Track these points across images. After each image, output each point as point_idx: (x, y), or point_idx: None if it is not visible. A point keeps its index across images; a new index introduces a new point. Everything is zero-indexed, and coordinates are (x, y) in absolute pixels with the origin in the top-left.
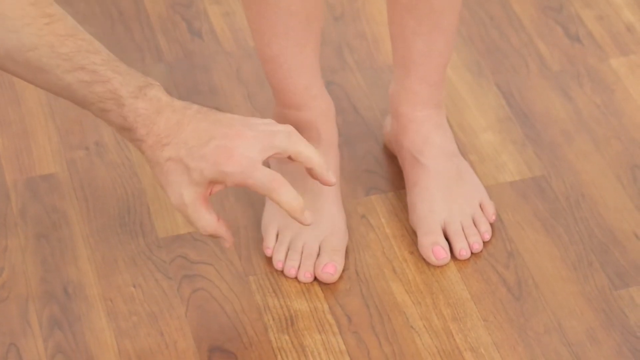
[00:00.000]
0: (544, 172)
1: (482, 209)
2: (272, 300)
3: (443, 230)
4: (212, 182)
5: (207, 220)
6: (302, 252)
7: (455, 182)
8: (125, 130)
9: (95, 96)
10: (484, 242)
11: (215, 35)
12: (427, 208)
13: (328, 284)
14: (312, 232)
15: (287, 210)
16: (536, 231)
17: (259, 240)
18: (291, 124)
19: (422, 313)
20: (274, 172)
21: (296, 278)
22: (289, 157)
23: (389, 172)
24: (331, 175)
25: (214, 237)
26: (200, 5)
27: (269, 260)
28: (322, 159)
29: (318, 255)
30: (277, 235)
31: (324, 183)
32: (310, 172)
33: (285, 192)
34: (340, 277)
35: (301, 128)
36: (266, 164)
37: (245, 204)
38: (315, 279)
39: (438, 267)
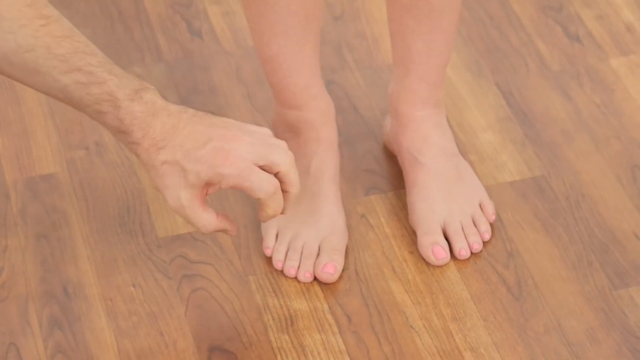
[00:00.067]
0: (544, 172)
1: (481, 209)
2: (272, 300)
3: (443, 230)
4: (208, 184)
5: (207, 219)
6: (301, 252)
7: (455, 182)
8: (121, 133)
9: (91, 98)
10: (483, 242)
11: (215, 35)
12: (426, 208)
13: (328, 283)
14: (312, 232)
15: (268, 215)
16: (536, 231)
17: (259, 240)
18: (291, 124)
19: (422, 313)
20: (271, 176)
21: (296, 278)
22: (276, 173)
23: (388, 172)
24: (284, 209)
25: (218, 231)
26: (200, 5)
27: (268, 260)
28: (299, 192)
29: (318, 255)
30: (277, 235)
31: (260, 214)
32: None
33: (277, 199)
34: (340, 277)
35: (301, 128)
36: None
37: (245, 204)
38: (315, 278)
39: (438, 267)
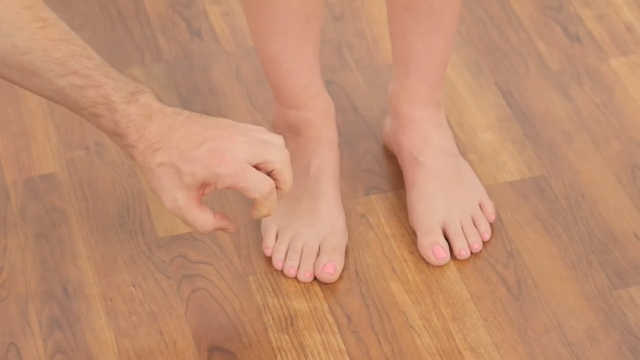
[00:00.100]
0: (544, 172)
1: (481, 209)
2: (272, 300)
3: (443, 230)
4: (204, 184)
5: (204, 219)
6: (301, 252)
7: (455, 182)
8: (117, 136)
9: (87, 101)
10: (483, 242)
11: (215, 34)
12: (426, 208)
13: (328, 283)
14: (312, 232)
15: (257, 216)
16: (536, 231)
17: (259, 240)
18: (291, 124)
19: (422, 313)
20: (266, 176)
21: (296, 278)
22: (270, 171)
23: (388, 172)
24: (263, 216)
25: (217, 230)
26: (200, 4)
27: (268, 260)
28: (290, 190)
29: (318, 255)
30: (277, 235)
31: (252, 213)
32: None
33: (272, 199)
34: (340, 277)
35: (301, 127)
36: None
37: (245, 204)
38: (315, 278)
39: (438, 266)
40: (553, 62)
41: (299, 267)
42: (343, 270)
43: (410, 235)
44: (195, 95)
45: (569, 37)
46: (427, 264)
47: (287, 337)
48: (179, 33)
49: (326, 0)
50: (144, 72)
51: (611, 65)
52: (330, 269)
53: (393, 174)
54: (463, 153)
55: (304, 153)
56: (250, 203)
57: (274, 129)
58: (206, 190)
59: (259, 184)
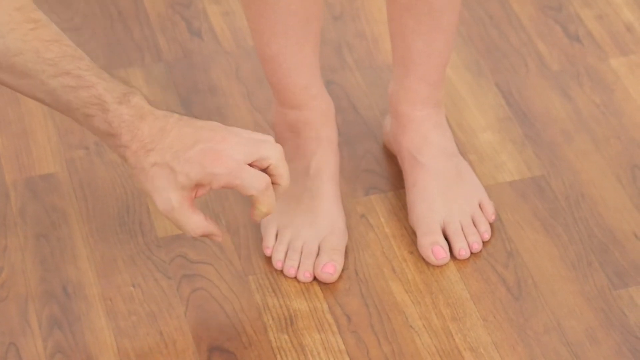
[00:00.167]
0: (544, 172)
1: (481, 209)
2: (272, 300)
3: (442, 230)
4: (198, 185)
5: (196, 221)
6: (301, 252)
7: (455, 182)
8: (110, 137)
9: (79, 101)
10: (483, 242)
11: (215, 34)
12: (426, 208)
13: (327, 283)
14: (312, 232)
15: (257, 214)
16: (535, 231)
17: (259, 239)
18: (291, 124)
19: (422, 313)
20: (262, 172)
21: (295, 278)
22: (265, 168)
23: (388, 172)
24: (263, 215)
25: (204, 236)
26: (200, 4)
27: (268, 259)
28: (288, 184)
29: (317, 254)
30: (277, 235)
31: (253, 214)
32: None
33: (270, 195)
34: (340, 277)
35: (301, 127)
36: None
37: (245, 204)
38: (315, 278)
39: (437, 266)
40: (553, 62)
41: (298, 267)
42: (343, 270)
43: (410, 235)
44: (195, 95)
45: (569, 37)
46: (427, 263)
47: (286, 337)
48: (178, 33)
49: (326, 0)
50: (144, 72)
51: (611, 65)
52: (330, 269)
53: (393, 174)
54: (463, 153)
55: (304, 153)
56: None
57: (274, 129)
58: (199, 192)
59: (255, 181)
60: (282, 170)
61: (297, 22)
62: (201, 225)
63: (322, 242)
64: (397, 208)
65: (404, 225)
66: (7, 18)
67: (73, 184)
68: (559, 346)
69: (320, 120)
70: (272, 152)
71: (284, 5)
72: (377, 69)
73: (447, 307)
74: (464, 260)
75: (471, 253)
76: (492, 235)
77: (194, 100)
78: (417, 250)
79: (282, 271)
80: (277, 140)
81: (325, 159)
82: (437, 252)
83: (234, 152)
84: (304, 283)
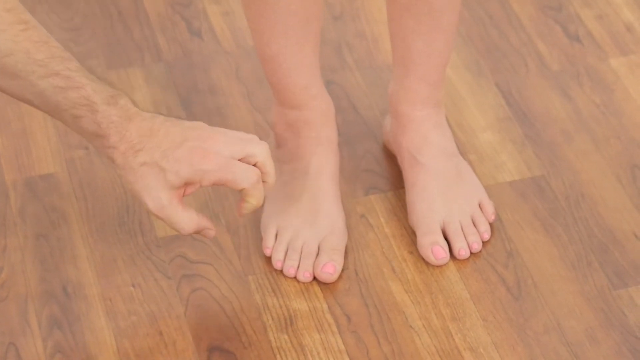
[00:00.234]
0: (544, 172)
1: (481, 209)
2: (271, 300)
3: (442, 230)
4: (187, 183)
5: (187, 218)
6: (301, 252)
7: (455, 182)
8: (98, 138)
9: (68, 102)
10: (483, 242)
11: (215, 34)
12: (426, 208)
13: (327, 283)
14: (312, 232)
15: (247, 207)
16: (535, 231)
17: (258, 239)
18: (291, 124)
19: (422, 313)
20: (252, 166)
21: (295, 278)
22: (254, 165)
23: (388, 172)
24: (253, 208)
25: (197, 233)
26: (200, 4)
27: (268, 259)
28: (274, 182)
29: (317, 254)
30: (277, 235)
31: (240, 207)
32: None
33: (260, 188)
34: (340, 277)
35: (301, 127)
36: None
37: None
38: (315, 278)
39: (437, 266)
40: (553, 62)
41: (298, 267)
42: (343, 270)
43: (410, 235)
44: (195, 95)
45: (569, 37)
46: (427, 263)
47: (286, 337)
48: (178, 33)
49: (326, 0)
50: (144, 71)
51: (611, 65)
52: (330, 269)
53: (393, 174)
54: (463, 153)
55: (304, 153)
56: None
57: (274, 129)
58: (188, 190)
59: (246, 174)
60: (269, 168)
61: (297, 22)
62: (193, 221)
63: (322, 242)
64: (397, 208)
65: (403, 225)
66: None
67: (73, 184)
68: (558, 346)
69: (320, 120)
70: (259, 149)
71: (284, 5)
72: (377, 69)
73: (446, 307)
74: (463, 260)
75: (471, 253)
76: (492, 235)
77: (194, 100)
78: (416, 250)
79: (281, 271)
80: (277, 140)
81: (325, 159)
82: (436, 252)
83: (222, 149)
84: (303, 283)
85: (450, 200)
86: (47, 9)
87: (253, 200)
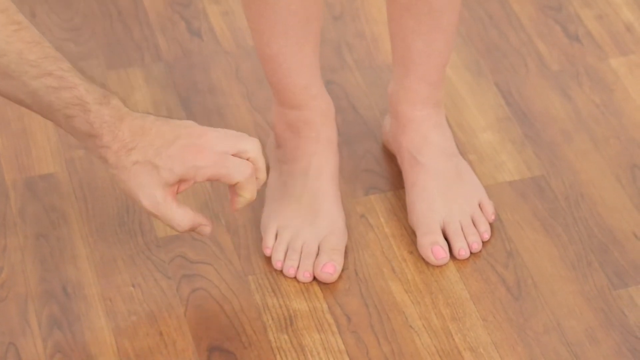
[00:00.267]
0: (543, 172)
1: (481, 209)
2: (271, 300)
3: (442, 230)
4: (181, 180)
5: (183, 214)
6: (301, 252)
7: (455, 182)
8: (90, 137)
9: (61, 102)
10: (483, 242)
11: (215, 34)
12: (426, 208)
13: (327, 283)
14: (312, 232)
15: (241, 202)
16: (535, 231)
17: (258, 239)
18: (290, 123)
19: (421, 313)
20: (245, 160)
21: (295, 278)
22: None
23: (388, 172)
24: (246, 202)
25: (192, 230)
26: (199, 4)
27: (268, 259)
28: (265, 178)
29: (317, 254)
30: (276, 235)
31: (234, 202)
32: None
33: (253, 182)
34: (340, 277)
35: (301, 127)
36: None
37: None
38: (315, 278)
39: (437, 266)
40: (553, 62)
41: (298, 267)
42: (342, 270)
43: (410, 235)
44: (194, 95)
45: (569, 37)
46: (427, 263)
47: (286, 337)
48: (178, 33)
49: (326, 0)
50: (144, 71)
51: (611, 65)
52: (330, 269)
53: (393, 174)
54: (463, 153)
55: (304, 153)
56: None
57: (274, 129)
58: (182, 187)
59: (240, 167)
60: (261, 164)
61: (297, 22)
62: (189, 217)
63: (322, 242)
64: (396, 208)
65: (403, 225)
66: None
67: (73, 184)
68: (558, 346)
69: (320, 120)
70: (251, 145)
71: (284, 5)
72: (377, 69)
73: (446, 307)
74: (463, 260)
75: (471, 253)
76: (491, 235)
77: (194, 100)
78: (416, 250)
79: (281, 271)
80: (277, 140)
81: (325, 159)
82: (436, 252)
83: (215, 145)
84: (303, 283)
85: (450, 200)
86: (47, 9)
87: (247, 194)
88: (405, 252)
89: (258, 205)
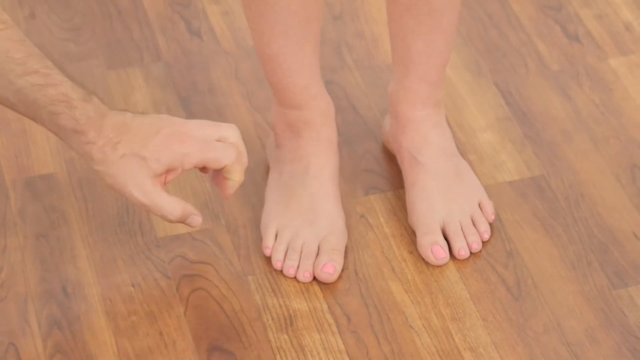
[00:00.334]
0: (543, 172)
1: (481, 209)
2: (271, 300)
3: (442, 230)
4: (169, 169)
5: (174, 203)
6: (301, 252)
7: (454, 182)
8: (76, 134)
9: (47, 99)
10: (483, 242)
11: (214, 34)
12: (426, 207)
13: (327, 283)
14: (311, 232)
15: (232, 186)
16: (535, 231)
17: (258, 239)
18: (290, 123)
19: (421, 313)
20: (229, 143)
21: (295, 278)
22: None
23: (388, 172)
24: (237, 185)
25: (183, 220)
26: (199, 4)
27: (268, 259)
28: (247, 162)
29: (317, 254)
30: (276, 235)
31: (225, 186)
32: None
33: (241, 164)
34: (340, 277)
35: (301, 127)
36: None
37: (244, 204)
38: (315, 278)
39: (437, 266)
40: (552, 62)
41: (298, 267)
42: (342, 270)
43: (410, 235)
44: (194, 95)
45: (569, 37)
46: (427, 263)
47: (286, 337)
48: (178, 33)
49: (326, 0)
50: (143, 71)
51: (610, 65)
52: (330, 269)
53: (393, 174)
54: (462, 153)
55: (304, 153)
56: (250, 202)
57: (274, 129)
58: (169, 177)
59: (227, 151)
60: (243, 148)
61: (297, 22)
62: (180, 206)
63: (322, 242)
64: (396, 208)
65: (403, 225)
66: None
67: (72, 184)
68: (558, 346)
69: (320, 120)
70: (231, 131)
71: (284, 5)
72: (376, 69)
73: (446, 307)
74: (463, 260)
75: (471, 253)
76: (491, 235)
77: (194, 100)
78: (416, 250)
79: (281, 271)
80: (277, 140)
81: (325, 159)
82: (436, 252)
83: (197, 132)
84: (303, 283)
85: (450, 200)
86: (47, 9)
87: (236, 176)
88: (405, 252)
89: (258, 205)
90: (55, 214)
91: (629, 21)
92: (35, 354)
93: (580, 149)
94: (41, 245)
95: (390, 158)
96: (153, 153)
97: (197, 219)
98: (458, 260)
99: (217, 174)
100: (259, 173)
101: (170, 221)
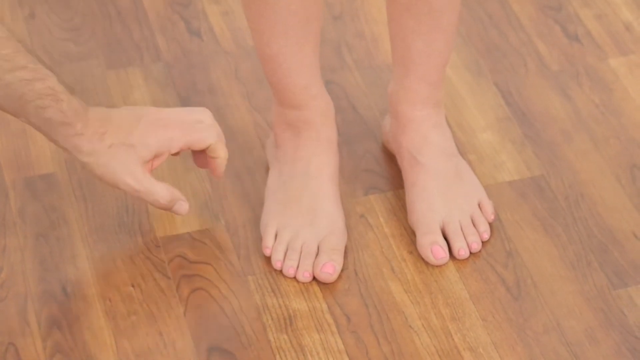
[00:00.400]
0: (543, 172)
1: (480, 209)
2: (271, 300)
3: (442, 230)
4: (156, 155)
5: (164, 188)
6: (300, 252)
7: (454, 182)
8: (64, 126)
9: (34, 93)
10: (482, 242)
11: (214, 34)
12: (425, 207)
13: (327, 283)
14: (311, 232)
15: (221, 163)
16: (535, 231)
17: (258, 239)
18: (290, 123)
19: (421, 312)
20: (209, 124)
21: (295, 278)
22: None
23: (388, 172)
24: (224, 162)
25: (171, 205)
26: (199, 4)
27: (267, 259)
28: (224, 141)
29: (317, 254)
30: (276, 235)
31: (214, 166)
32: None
33: (223, 141)
34: (339, 277)
35: (300, 127)
36: (265, 163)
37: (244, 204)
38: (314, 278)
39: (437, 266)
40: (552, 62)
41: (298, 267)
42: (342, 270)
43: (410, 235)
44: (194, 95)
45: (568, 37)
46: (426, 263)
47: (286, 337)
48: (178, 33)
49: (326, 0)
50: (143, 71)
51: (610, 65)
52: (330, 269)
53: (392, 174)
54: (462, 153)
55: (304, 153)
56: (250, 202)
57: (274, 129)
58: (156, 162)
59: (210, 131)
60: (218, 127)
61: (297, 22)
62: (169, 190)
63: (322, 242)
64: (396, 208)
65: (403, 225)
66: None
67: (72, 184)
68: (558, 346)
69: (320, 120)
70: (205, 114)
71: (284, 5)
72: (376, 69)
73: (446, 307)
74: (463, 260)
75: (470, 253)
76: (491, 235)
77: (194, 100)
78: (416, 250)
79: (281, 271)
80: (277, 140)
81: (325, 159)
82: (436, 252)
83: (177, 117)
84: (303, 283)
85: (449, 200)
86: (47, 9)
87: (222, 153)
88: (405, 252)
89: (258, 205)
90: (55, 214)
91: (628, 21)
92: (35, 354)
93: (580, 149)
94: (41, 245)
95: (390, 158)
96: (140, 140)
97: (184, 206)
98: (458, 260)
99: (199, 157)
100: (259, 173)
101: (160, 206)
